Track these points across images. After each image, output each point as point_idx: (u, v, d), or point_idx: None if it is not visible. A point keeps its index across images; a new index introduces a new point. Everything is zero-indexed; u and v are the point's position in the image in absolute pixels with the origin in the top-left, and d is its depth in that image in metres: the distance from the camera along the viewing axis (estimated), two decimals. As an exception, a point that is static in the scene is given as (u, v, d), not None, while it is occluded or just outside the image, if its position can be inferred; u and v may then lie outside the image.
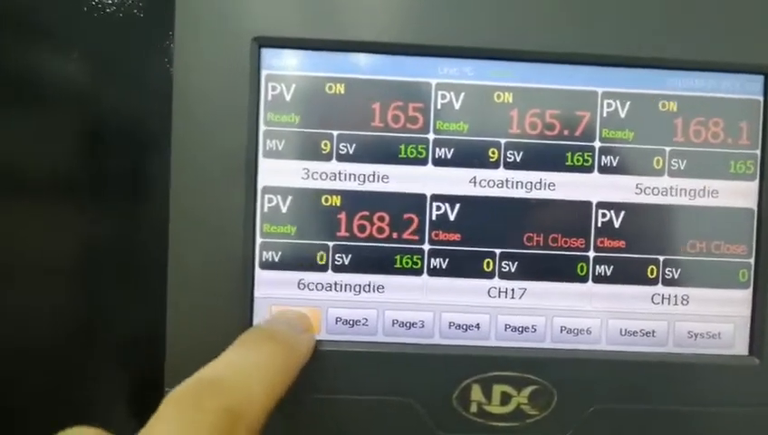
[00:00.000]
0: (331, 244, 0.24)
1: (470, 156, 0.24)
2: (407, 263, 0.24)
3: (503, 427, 0.24)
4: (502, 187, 0.24)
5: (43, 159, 0.27)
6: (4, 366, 0.28)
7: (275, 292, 0.24)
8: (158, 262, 0.27)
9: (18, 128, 0.27)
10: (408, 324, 0.25)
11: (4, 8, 0.27)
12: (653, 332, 0.25)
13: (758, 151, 0.24)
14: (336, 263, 0.24)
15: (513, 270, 0.24)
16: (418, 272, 0.24)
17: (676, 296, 0.25)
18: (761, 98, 0.24)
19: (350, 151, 0.24)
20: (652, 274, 0.25)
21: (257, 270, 0.24)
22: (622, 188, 0.24)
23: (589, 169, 0.24)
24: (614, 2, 0.24)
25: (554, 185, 0.24)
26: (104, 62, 0.27)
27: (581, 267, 0.25)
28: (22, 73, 0.27)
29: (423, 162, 0.24)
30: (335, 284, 0.24)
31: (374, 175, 0.24)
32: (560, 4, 0.24)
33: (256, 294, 0.24)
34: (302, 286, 0.24)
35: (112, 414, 0.29)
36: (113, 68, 0.27)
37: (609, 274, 0.25)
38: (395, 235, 0.24)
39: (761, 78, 0.24)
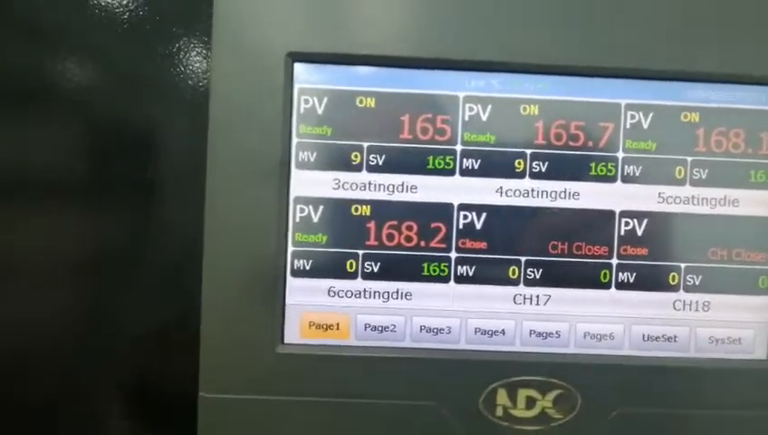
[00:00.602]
0: (360, 252, 0.25)
1: (496, 166, 0.25)
2: (434, 270, 0.25)
3: (528, 430, 0.25)
4: (527, 196, 0.25)
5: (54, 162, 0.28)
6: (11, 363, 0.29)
7: (306, 299, 0.25)
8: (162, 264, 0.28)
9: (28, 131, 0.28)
10: (435, 330, 0.25)
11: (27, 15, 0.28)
12: (675, 337, 0.25)
13: (778, 161, 0.25)
14: (365, 271, 0.25)
15: (537, 277, 0.25)
16: (445, 279, 0.25)
17: (697, 303, 0.25)
18: (781, 109, 0.25)
19: (380, 162, 0.25)
20: (674, 280, 0.25)
21: (289, 278, 0.25)
22: (645, 198, 0.25)
23: (612, 179, 0.25)
24: (637, 16, 0.24)
25: (578, 194, 0.25)
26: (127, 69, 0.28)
27: (605, 274, 0.25)
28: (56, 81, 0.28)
29: (450, 173, 0.25)
30: (364, 291, 0.25)
31: (403, 185, 0.25)
32: (584, 19, 0.24)
33: (288, 301, 0.25)
34: (332, 293, 0.25)
35: (108, 411, 0.30)
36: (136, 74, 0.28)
37: (631, 280, 0.25)
38: (423, 243, 0.25)
39: (781, 89, 0.25)
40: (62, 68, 0.28)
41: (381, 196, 0.25)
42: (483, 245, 0.25)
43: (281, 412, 0.25)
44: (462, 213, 0.25)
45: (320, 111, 0.24)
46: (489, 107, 0.25)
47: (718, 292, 0.25)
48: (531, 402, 0.25)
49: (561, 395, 0.25)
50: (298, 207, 0.25)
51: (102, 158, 0.29)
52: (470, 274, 0.25)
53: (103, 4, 0.28)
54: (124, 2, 0.28)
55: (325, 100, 0.24)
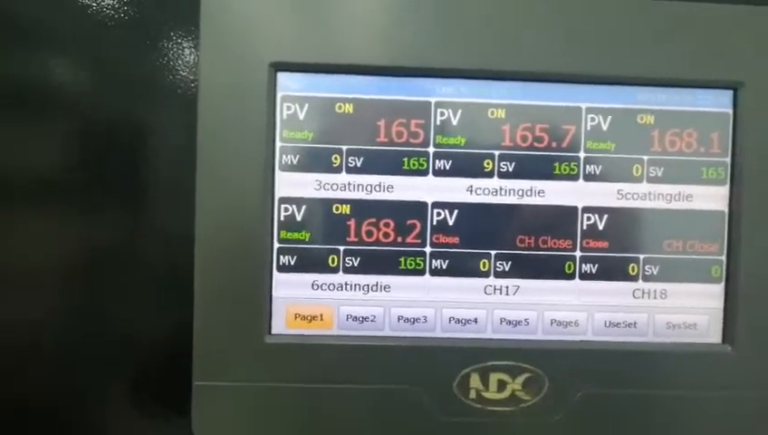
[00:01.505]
0: (341, 248, 0.27)
1: (467, 167, 0.27)
2: (410, 264, 0.27)
3: (499, 411, 0.27)
4: (496, 194, 0.27)
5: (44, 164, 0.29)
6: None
7: (292, 292, 0.27)
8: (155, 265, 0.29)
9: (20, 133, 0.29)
10: (412, 320, 0.27)
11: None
12: (635, 323, 0.27)
13: (728, 159, 0.27)
14: (346, 265, 0.27)
15: (507, 269, 0.27)
16: (421, 272, 0.27)
17: (655, 291, 0.27)
18: (730, 111, 0.27)
19: (358, 164, 0.26)
20: (633, 271, 0.27)
21: (275, 273, 0.27)
22: (605, 194, 0.27)
23: (575, 177, 0.27)
24: (596, 25, 0.26)
25: (544, 192, 0.27)
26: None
27: (569, 266, 0.27)
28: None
29: (424, 173, 0.27)
30: (346, 284, 0.27)
31: (380, 185, 0.27)
32: (547, 29, 0.26)
33: (274, 294, 0.27)
34: (315, 287, 0.27)
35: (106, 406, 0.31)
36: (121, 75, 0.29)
37: (594, 271, 0.27)
38: (399, 239, 0.27)
39: (730, 93, 0.27)
40: (52, 72, 0.29)
41: (360, 195, 0.27)
42: (455, 240, 0.27)
43: (269, 398, 0.26)
44: (435, 210, 0.27)
45: (301, 116, 0.26)
46: (459, 111, 0.26)
47: (674, 281, 0.27)
48: (501, 385, 0.27)
49: (530, 378, 0.27)
50: (282, 206, 0.26)
51: (96, 160, 0.30)
52: (444, 267, 0.27)
53: (95, 10, 0.29)
54: (117, 12, 0.29)
55: (306, 106, 0.26)
